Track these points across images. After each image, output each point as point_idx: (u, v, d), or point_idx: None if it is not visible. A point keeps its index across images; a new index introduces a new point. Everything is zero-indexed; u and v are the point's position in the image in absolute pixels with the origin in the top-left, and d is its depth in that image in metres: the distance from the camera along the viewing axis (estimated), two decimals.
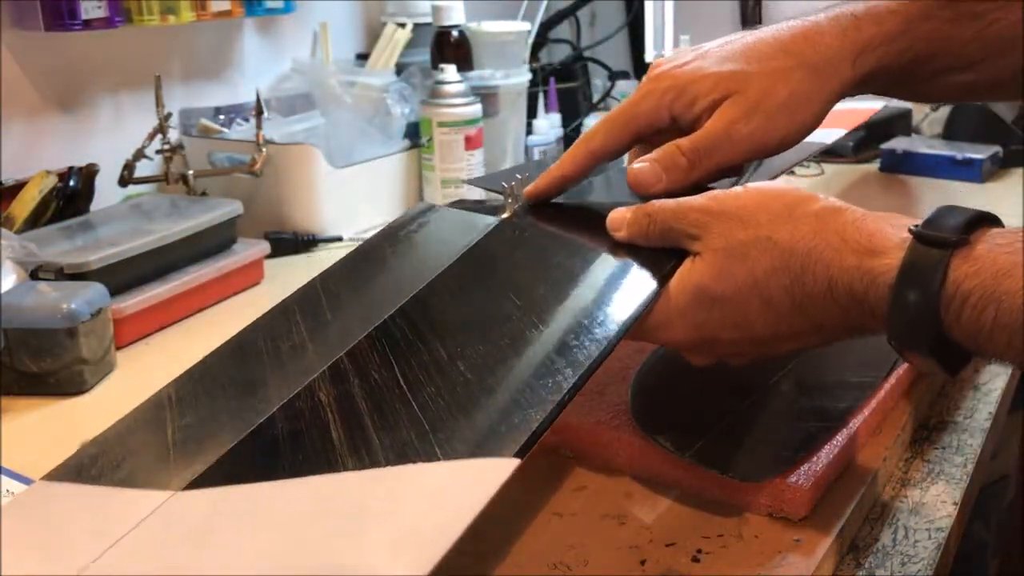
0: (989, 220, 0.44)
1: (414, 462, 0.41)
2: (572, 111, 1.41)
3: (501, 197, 0.63)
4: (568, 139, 1.38)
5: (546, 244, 0.58)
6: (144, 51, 1.07)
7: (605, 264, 0.54)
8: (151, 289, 0.80)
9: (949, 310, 0.42)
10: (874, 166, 1.27)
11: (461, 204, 0.72)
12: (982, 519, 1.00)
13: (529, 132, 1.27)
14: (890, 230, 0.45)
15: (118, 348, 0.76)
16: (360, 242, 0.58)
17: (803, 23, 0.61)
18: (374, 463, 0.42)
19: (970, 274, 0.42)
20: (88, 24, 0.92)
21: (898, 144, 1.27)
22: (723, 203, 0.50)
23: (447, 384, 0.46)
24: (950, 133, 1.31)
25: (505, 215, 0.62)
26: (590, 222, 0.57)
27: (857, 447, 0.55)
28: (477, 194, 1.04)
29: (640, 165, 0.58)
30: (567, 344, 0.47)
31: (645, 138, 0.61)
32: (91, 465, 0.47)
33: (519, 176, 0.64)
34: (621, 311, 0.49)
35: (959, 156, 1.21)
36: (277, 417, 0.47)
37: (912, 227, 0.44)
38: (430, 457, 0.41)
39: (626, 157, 0.64)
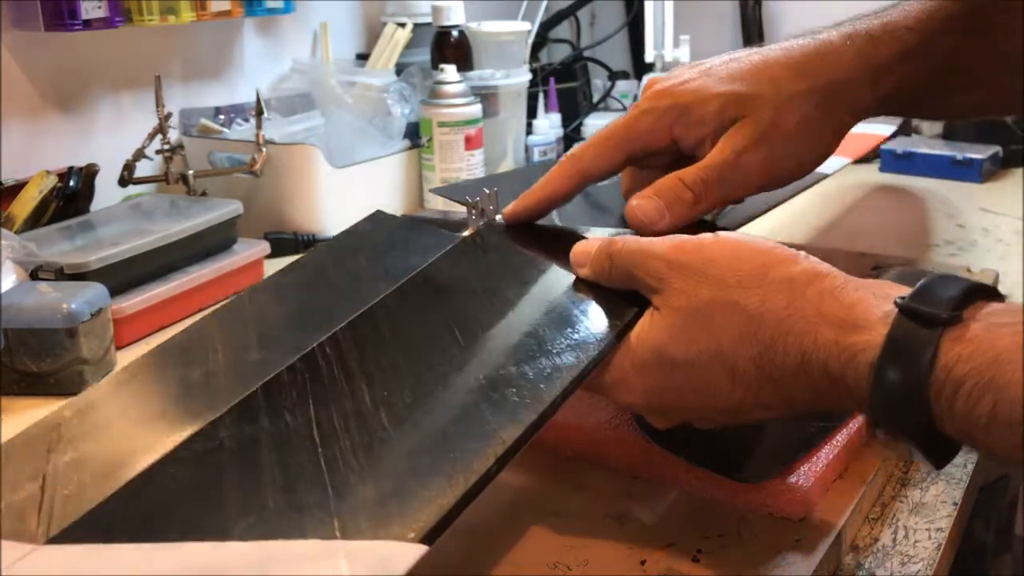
0: (986, 293, 0.39)
1: (307, 538, 0.37)
2: (572, 111, 1.41)
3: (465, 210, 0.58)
4: (568, 139, 1.38)
5: (505, 273, 0.53)
6: (144, 51, 1.07)
7: (566, 304, 0.50)
8: (151, 289, 0.80)
9: (940, 398, 0.37)
10: (874, 166, 1.27)
11: (421, 218, 0.66)
12: (982, 519, 0.99)
13: (529, 132, 1.27)
14: (872, 300, 0.40)
15: (118, 348, 0.76)
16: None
17: (814, 41, 0.56)
18: (263, 533, 0.37)
19: (964, 357, 0.36)
20: (88, 24, 0.92)
21: (898, 144, 1.27)
22: (687, 254, 0.45)
23: (363, 438, 0.42)
24: (950, 133, 1.31)
25: (467, 232, 0.57)
26: (558, 250, 0.52)
27: (857, 447, 0.55)
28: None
29: (641, 201, 0.53)
30: (506, 399, 0.43)
31: (639, 159, 0.57)
32: None
33: (487, 190, 0.58)
34: (573, 364, 0.45)
35: (959, 156, 1.21)
36: (169, 460, 0.42)
37: (898, 299, 0.39)
38: (326, 533, 0.37)
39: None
